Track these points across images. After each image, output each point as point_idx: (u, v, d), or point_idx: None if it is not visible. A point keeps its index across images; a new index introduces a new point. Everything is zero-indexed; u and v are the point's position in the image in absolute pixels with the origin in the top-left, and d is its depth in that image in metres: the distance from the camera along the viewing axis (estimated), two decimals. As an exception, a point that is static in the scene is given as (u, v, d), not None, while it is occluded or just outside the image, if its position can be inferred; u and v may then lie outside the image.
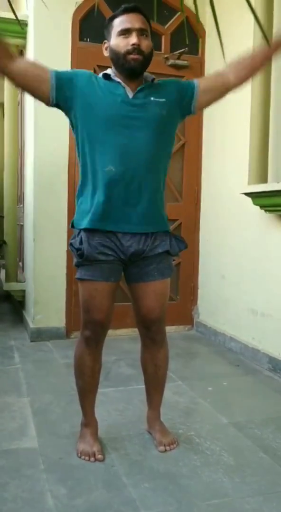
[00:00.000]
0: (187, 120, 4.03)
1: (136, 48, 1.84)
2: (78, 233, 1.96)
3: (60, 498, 1.77)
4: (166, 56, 3.93)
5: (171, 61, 3.91)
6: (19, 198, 4.80)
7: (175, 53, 3.92)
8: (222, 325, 3.81)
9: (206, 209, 4.11)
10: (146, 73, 1.96)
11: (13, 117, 4.42)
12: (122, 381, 3.00)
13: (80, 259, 1.93)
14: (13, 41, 4.14)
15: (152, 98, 1.90)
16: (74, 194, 2.16)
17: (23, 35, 4.06)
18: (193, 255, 4.19)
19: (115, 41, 1.88)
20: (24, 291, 4.32)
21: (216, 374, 3.17)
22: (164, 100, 1.92)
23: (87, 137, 1.91)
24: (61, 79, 1.89)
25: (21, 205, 4.68)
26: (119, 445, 2.17)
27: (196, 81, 2.00)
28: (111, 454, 2.08)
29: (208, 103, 2.03)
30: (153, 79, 1.98)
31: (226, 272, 3.77)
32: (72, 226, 2.01)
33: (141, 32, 1.86)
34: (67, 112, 1.95)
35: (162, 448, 2.12)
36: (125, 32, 1.86)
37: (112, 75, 1.93)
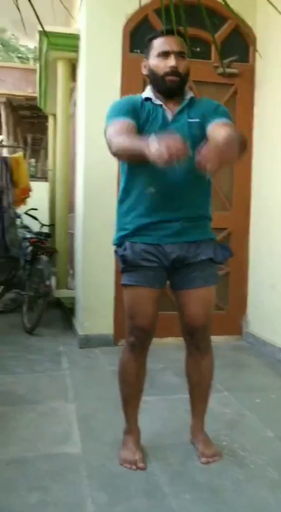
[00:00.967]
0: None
1: (174, 71, 1.93)
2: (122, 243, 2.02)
3: (100, 504, 1.78)
4: (215, 64, 3.92)
5: (220, 70, 3.89)
6: (71, 207, 4.90)
7: (224, 61, 3.89)
8: (272, 335, 3.73)
9: (256, 218, 4.04)
10: (186, 89, 2.03)
11: (65, 129, 4.54)
12: (167, 389, 2.99)
13: (124, 264, 1.99)
14: (68, 55, 4.27)
15: (189, 120, 1.96)
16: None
17: (76, 48, 4.17)
18: (242, 264, 4.13)
19: (154, 62, 1.96)
20: (74, 298, 4.40)
21: (265, 386, 3.10)
22: (198, 120, 1.96)
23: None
24: (133, 115, 1.94)
25: (73, 214, 4.78)
26: (162, 454, 2.16)
27: (218, 120, 1.93)
28: (153, 463, 2.08)
29: None
30: (192, 97, 2.03)
31: (277, 281, 3.69)
32: (116, 244, 2.07)
33: (179, 55, 1.94)
34: None
35: (204, 459, 2.09)
36: (164, 54, 1.94)
37: (153, 98, 2.00)
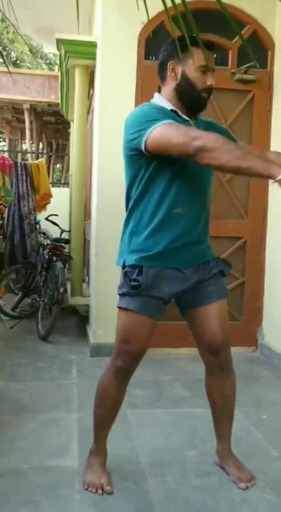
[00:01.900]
0: (254, 135, 3.95)
1: (210, 89, 1.86)
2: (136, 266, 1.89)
3: (89, 522, 1.74)
4: (232, 71, 3.86)
5: (237, 76, 3.83)
6: (88, 214, 4.90)
7: (242, 67, 3.83)
8: (287, 348, 3.63)
9: (272, 226, 3.95)
10: None
11: (82, 134, 4.55)
12: (174, 402, 2.94)
13: (134, 290, 1.85)
14: (85, 62, 4.29)
15: None
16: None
17: (93, 56, 4.17)
18: (258, 274, 4.04)
19: (195, 74, 1.83)
20: (88, 305, 4.39)
21: (275, 401, 3.02)
22: None
23: (158, 177, 1.84)
24: None
25: (89, 221, 4.77)
26: (159, 471, 2.11)
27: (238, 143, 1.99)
28: (148, 481, 2.03)
29: None
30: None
31: (291, 294, 3.59)
32: (130, 265, 1.91)
33: (213, 73, 1.88)
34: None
35: (243, 485, 1.99)
36: (205, 69, 1.83)
37: (179, 112, 1.87)
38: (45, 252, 4.88)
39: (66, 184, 9.36)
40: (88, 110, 5.00)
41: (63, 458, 2.21)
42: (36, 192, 5.91)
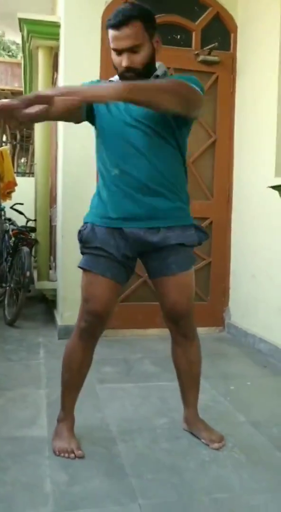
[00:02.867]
0: (219, 116, 4.00)
1: (129, 70, 1.80)
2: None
3: (59, 484, 1.73)
4: (196, 52, 3.88)
5: (201, 57, 3.86)
6: (54, 199, 4.86)
7: (205, 48, 3.86)
8: (253, 326, 3.69)
9: (237, 208, 4.00)
10: (158, 64, 1.90)
11: (47, 123, 4.49)
12: (143, 378, 2.94)
13: (80, 243, 1.95)
14: (48, 43, 4.24)
15: None
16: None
17: (57, 36, 4.13)
18: (224, 255, 4.09)
19: (112, 56, 1.83)
20: (55, 290, 4.35)
21: (241, 374, 3.06)
22: None
23: (100, 143, 1.95)
24: None
25: (55, 206, 4.73)
26: (129, 437, 2.12)
27: None
28: (119, 446, 2.03)
29: None
30: (157, 75, 1.88)
31: (256, 272, 3.65)
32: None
33: (131, 50, 1.77)
34: (93, 122, 1.98)
35: (216, 445, 2.02)
36: (116, 51, 1.80)
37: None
38: (10, 238, 4.81)
39: (31, 173, 9.24)
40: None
41: (31, 429, 2.19)
42: (0, 180, 5.81)
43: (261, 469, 1.86)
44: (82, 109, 1.87)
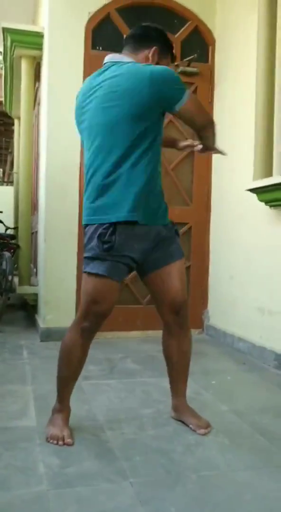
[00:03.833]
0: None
1: None
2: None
3: (52, 467, 1.79)
4: (176, 63, 4.03)
5: (181, 68, 4.01)
6: (35, 206, 4.93)
7: (184, 60, 4.02)
8: (231, 326, 3.80)
9: (216, 211, 4.14)
10: None
11: (29, 127, 4.57)
12: (126, 374, 3.02)
13: (107, 251, 1.90)
14: (31, 52, 4.34)
15: None
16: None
17: (40, 46, 4.23)
18: (203, 258, 4.21)
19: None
20: (36, 294, 4.39)
21: (221, 370, 3.17)
22: None
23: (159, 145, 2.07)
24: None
25: (37, 213, 4.79)
26: (116, 426, 2.18)
27: None
28: (107, 433, 2.10)
29: None
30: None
31: (234, 273, 3.78)
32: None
33: None
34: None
35: (202, 431, 2.09)
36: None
37: None
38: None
39: (9, 182, 9.27)
40: (34, 104, 5.03)
41: (21, 420, 2.23)
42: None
43: (244, 451, 1.95)
44: None
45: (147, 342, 3.81)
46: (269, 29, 3.07)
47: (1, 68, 5.81)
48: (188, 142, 2.30)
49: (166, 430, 2.15)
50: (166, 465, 1.81)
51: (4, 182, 10.80)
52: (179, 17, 4.06)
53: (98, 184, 1.92)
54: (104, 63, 2.03)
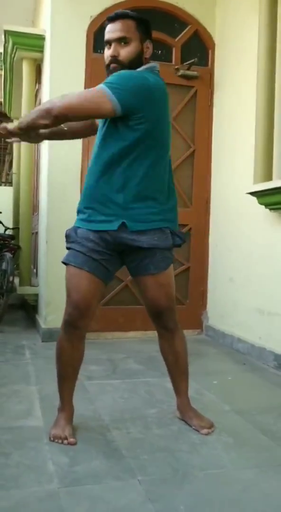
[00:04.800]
0: (197, 127, 4.18)
1: (112, 60, 1.97)
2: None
3: (61, 465, 1.83)
4: (176, 67, 4.08)
5: (181, 72, 4.05)
6: (35, 207, 4.95)
7: (184, 64, 4.06)
8: (231, 327, 3.85)
9: (215, 214, 4.19)
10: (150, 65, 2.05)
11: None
12: (129, 375, 3.06)
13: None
14: (33, 55, 4.36)
15: None
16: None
17: (41, 49, 4.26)
18: (202, 260, 4.26)
19: (104, 54, 2.04)
20: (37, 295, 4.42)
21: (222, 371, 3.21)
22: None
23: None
24: None
25: (37, 214, 4.83)
26: (122, 425, 2.22)
27: None
28: (113, 432, 2.14)
29: None
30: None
31: (234, 275, 3.83)
32: None
33: (119, 41, 1.95)
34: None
35: (205, 431, 2.13)
36: (107, 44, 1.99)
37: None
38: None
39: (8, 183, 9.26)
40: (35, 105, 5.05)
41: (27, 420, 2.27)
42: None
43: (248, 449, 2.00)
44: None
45: (147, 343, 3.85)
46: (269, 33, 3.11)
47: (1, 69, 5.83)
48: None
49: (171, 429, 2.19)
50: (173, 463, 1.86)
51: (2, 182, 10.81)
52: (179, 21, 4.11)
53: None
54: (158, 70, 2.06)
